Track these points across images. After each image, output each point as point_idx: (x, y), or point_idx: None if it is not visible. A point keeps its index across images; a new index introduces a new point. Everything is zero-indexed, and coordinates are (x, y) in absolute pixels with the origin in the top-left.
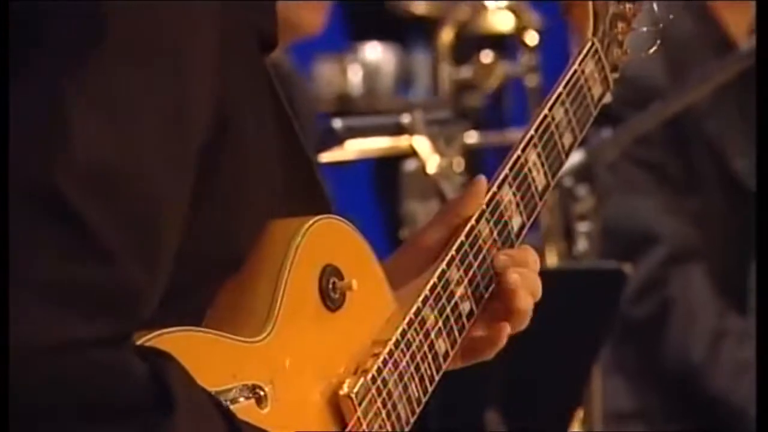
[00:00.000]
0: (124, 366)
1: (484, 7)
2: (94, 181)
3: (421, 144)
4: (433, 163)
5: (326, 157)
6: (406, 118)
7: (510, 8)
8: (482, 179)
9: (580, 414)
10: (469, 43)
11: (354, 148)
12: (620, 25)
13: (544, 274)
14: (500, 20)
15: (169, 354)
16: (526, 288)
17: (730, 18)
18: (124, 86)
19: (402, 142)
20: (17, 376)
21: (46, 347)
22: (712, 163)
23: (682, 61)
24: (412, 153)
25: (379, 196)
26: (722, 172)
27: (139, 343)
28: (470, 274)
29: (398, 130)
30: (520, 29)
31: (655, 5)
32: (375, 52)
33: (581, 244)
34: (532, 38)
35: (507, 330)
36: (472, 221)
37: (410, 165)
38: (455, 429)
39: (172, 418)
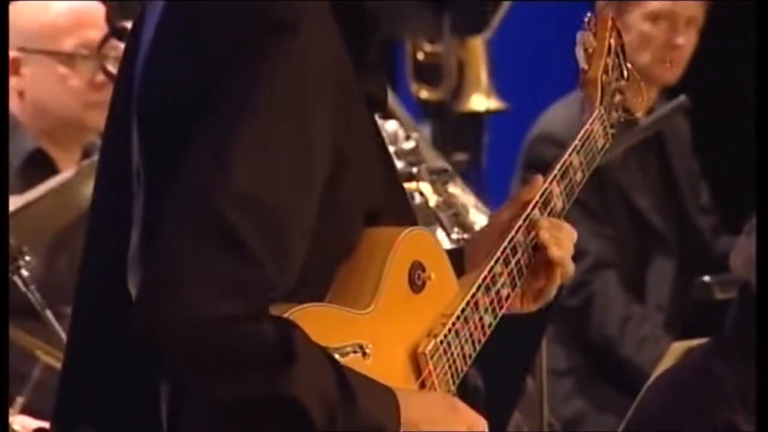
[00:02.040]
0: (258, 333)
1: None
2: (246, 207)
3: (425, 187)
4: (433, 199)
5: None
6: (414, 169)
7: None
8: (538, 177)
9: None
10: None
11: None
12: (618, 96)
13: None
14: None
15: (294, 322)
16: (558, 245)
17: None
18: (269, 138)
19: (412, 185)
20: (181, 342)
21: (205, 320)
22: (622, 201)
23: None
24: (419, 193)
25: None
26: (629, 208)
27: (284, 315)
28: (509, 268)
29: (410, 177)
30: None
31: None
32: (393, 125)
33: None
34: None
35: (557, 277)
36: (510, 236)
37: (417, 200)
38: None
39: (294, 367)
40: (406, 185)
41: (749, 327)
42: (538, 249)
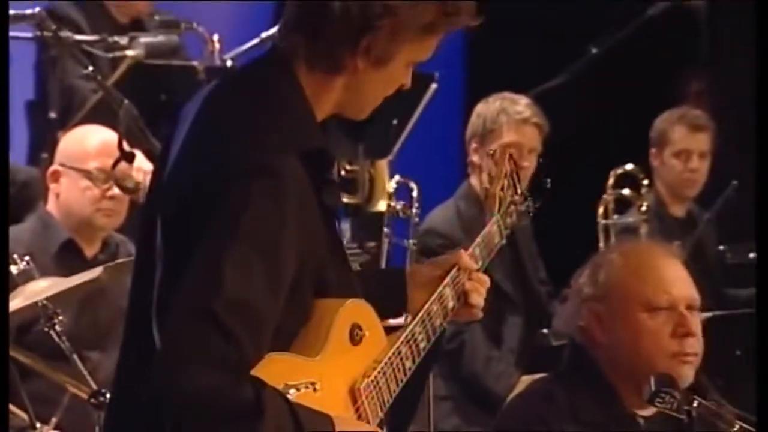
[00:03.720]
0: (240, 397)
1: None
2: (232, 307)
3: None
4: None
5: None
6: None
7: (387, 198)
8: (461, 251)
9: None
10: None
11: None
12: (513, 207)
13: None
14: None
15: (263, 381)
16: (478, 293)
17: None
18: (252, 256)
19: None
20: (185, 404)
21: (202, 389)
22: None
23: (471, 223)
24: None
25: None
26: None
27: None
28: (425, 328)
29: None
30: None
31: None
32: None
33: None
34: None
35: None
36: (426, 307)
37: None
38: None
39: (263, 419)
40: None
41: (578, 364)
42: (466, 294)
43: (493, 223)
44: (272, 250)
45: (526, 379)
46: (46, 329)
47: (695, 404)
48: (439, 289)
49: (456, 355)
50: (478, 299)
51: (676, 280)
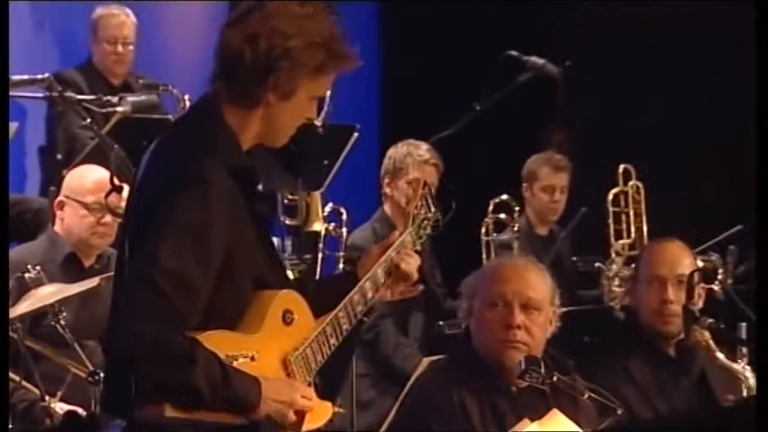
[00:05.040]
0: (178, 346)
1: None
2: (168, 275)
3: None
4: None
5: None
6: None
7: (320, 220)
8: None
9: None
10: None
11: None
12: (426, 221)
13: None
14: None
15: (197, 339)
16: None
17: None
18: (182, 239)
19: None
20: (131, 350)
21: (149, 339)
22: None
23: (384, 240)
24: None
25: None
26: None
27: (200, 336)
28: (348, 312)
29: None
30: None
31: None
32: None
33: None
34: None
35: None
36: (350, 296)
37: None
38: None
39: (195, 365)
40: None
41: (464, 349)
42: (397, 267)
43: (407, 234)
44: (200, 236)
45: (426, 360)
46: (53, 323)
47: (555, 379)
48: (360, 282)
49: (372, 342)
50: (409, 267)
51: (512, 282)
